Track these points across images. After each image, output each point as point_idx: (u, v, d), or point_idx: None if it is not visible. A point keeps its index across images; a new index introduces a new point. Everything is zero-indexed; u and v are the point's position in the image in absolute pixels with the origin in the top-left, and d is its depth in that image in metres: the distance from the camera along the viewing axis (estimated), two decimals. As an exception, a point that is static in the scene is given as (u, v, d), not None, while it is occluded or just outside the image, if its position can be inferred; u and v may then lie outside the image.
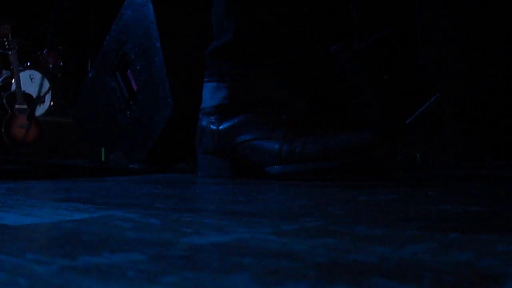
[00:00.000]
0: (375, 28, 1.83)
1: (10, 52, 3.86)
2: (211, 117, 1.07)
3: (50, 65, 4.36)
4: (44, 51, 4.40)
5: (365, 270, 0.25)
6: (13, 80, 3.82)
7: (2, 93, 3.75)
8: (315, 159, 0.92)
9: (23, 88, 3.77)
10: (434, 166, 1.47)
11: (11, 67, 3.87)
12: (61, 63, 4.40)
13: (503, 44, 1.59)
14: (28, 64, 4.23)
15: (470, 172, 1.21)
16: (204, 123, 1.09)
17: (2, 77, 3.94)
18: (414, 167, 1.47)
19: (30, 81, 4.08)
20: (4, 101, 3.66)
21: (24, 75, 3.98)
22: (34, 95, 3.93)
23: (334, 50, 1.71)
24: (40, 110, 4.09)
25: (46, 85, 4.21)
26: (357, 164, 0.89)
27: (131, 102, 1.61)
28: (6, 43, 3.87)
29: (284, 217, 0.47)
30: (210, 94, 1.08)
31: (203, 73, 1.12)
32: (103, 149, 1.70)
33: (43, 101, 4.18)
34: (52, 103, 4.21)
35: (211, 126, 1.07)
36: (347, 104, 1.71)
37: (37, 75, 4.18)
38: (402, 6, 1.78)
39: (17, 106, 3.67)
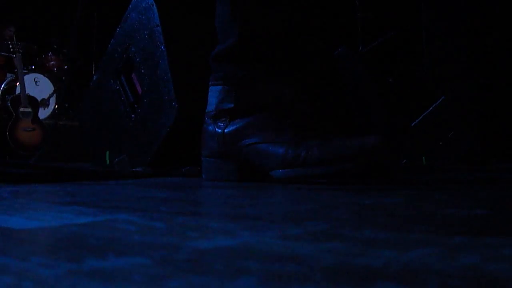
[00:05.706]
0: (379, 31, 1.83)
1: (14, 56, 3.87)
2: (217, 120, 1.07)
3: (55, 68, 4.37)
4: (49, 54, 4.40)
5: (371, 273, 0.25)
6: (17, 84, 3.83)
7: (6, 96, 3.76)
8: (320, 163, 0.92)
9: (27, 91, 3.78)
10: (440, 169, 1.47)
11: (16, 70, 3.88)
12: (66, 66, 4.41)
13: (507, 47, 1.58)
14: (33, 67, 4.24)
15: (475, 175, 1.20)
16: (209, 126, 1.09)
17: (6, 81, 3.95)
18: (419, 170, 1.47)
19: (34, 84, 4.09)
20: (9, 104, 3.67)
21: (28, 78, 3.99)
22: (39, 99, 3.93)
23: (339, 53, 1.71)
24: (44, 113, 4.10)
25: (51, 88, 4.22)
26: (362, 169, 0.90)
27: (135, 106, 1.61)
28: (10, 46, 3.88)
29: (290, 221, 0.47)
30: (216, 98, 1.08)
31: (208, 76, 1.12)
32: (107, 153, 1.70)
33: (48, 104, 4.19)
34: (56, 106, 4.22)
35: (217, 129, 1.07)
36: (351, 106, 1.71)
37: (42, 78, 4.19)
38: (406, 9, 1.78)
39: (21, 110, 3.68)
